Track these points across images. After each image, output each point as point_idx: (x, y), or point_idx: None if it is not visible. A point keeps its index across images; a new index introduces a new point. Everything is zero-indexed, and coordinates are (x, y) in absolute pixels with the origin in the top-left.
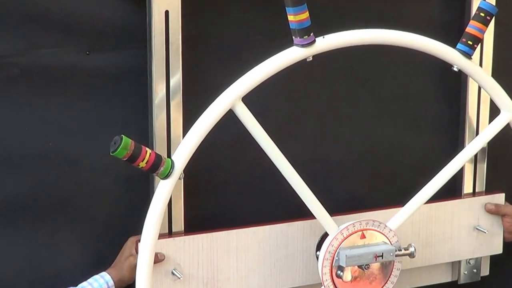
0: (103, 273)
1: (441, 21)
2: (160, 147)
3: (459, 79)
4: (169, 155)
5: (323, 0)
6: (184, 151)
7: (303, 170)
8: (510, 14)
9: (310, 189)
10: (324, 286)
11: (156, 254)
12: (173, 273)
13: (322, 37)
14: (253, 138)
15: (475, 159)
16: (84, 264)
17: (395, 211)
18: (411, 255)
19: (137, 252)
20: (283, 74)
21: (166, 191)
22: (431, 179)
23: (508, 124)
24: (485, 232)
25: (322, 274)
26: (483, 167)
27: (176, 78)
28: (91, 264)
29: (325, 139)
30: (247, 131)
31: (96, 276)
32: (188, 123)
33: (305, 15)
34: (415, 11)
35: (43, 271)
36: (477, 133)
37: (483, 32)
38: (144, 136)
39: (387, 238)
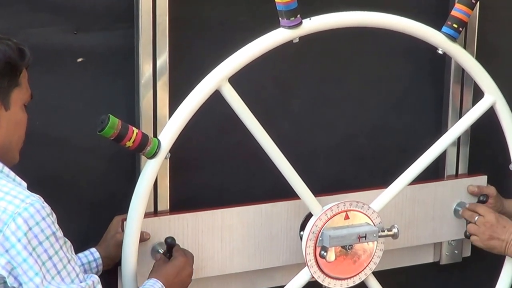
0: (93, 250)
1: (427, 4)
2: (146, 127)
3: (443, 62)
4: (155, 135)
5: None
6: (170, 131)
7: (288, 151)
8: None
9: (295, 169)
10: (308, 266)
11: (141, 233)
12: (158, 252)
13: (308, 19)
14: (239, 119)
15: (458, 142)
16: (70, 242)
17: (378, 192)
18: (394, 236)
19: (123, 231)
20: (269, 55)
21: (152, 170)
22: (415, 161)
23: (491, 107)
24: None
25: (306, 254)
26: (466, 150)
27: (163, 59)
28: (77, 242)
29: (310, 120)
30: (233, 111)
31: (86, 252)
32: (174, 103)
33: None
34: None
35: None
36: (460, 116)
37: (468, 15)
38: (131, 116)
39: (371, 219)
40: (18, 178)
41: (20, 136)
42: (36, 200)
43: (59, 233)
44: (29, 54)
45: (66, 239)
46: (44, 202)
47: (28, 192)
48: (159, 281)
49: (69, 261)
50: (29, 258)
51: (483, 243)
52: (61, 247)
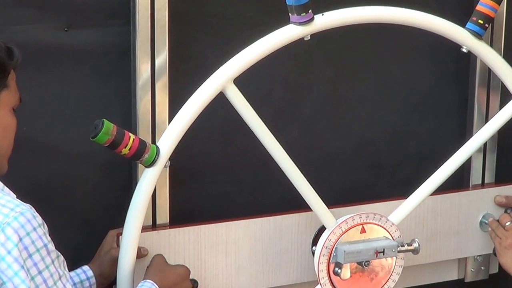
0: (86, 267)
1: None
2: (144, 133)
3: (468, 61)
4: (154, 141)
5: None
6: (170, 137)
7: (299, 159)
8: None
9: (307, 179)
10: (321, 284)
11: (139, 248)
12: None
13: (321, 14)
14: (245, 123)
15: (484, 148)
16: None
17: (397, 203)
18: (415, 251)
19: (118, 246)
20: (278, 54)
21: (150, 180)
22: (437, 169)
23: None
24: None
25: (319, 271)
26: (493, 157)
27: (162, 58)
28: (69, 259)
29: (323, 125)
30: (239, 115)
31: (78, 270)
32: (174, 107)
33: None
34: None
35: None
36: (486, 120)
37: (495, 10)
38: (127, 120)
39: (389, 232)
40: (6, 189)
41: (9, 143)
42: (27, 209)
43: (51, 246)
44: (18, 54)
45: (59, 253)
46: (35, 212)
47: (18, 201)
48: (155, 284)
49: (60, 278)
50: (20, 271)
51: (500, 249)
52: (52, 262)
